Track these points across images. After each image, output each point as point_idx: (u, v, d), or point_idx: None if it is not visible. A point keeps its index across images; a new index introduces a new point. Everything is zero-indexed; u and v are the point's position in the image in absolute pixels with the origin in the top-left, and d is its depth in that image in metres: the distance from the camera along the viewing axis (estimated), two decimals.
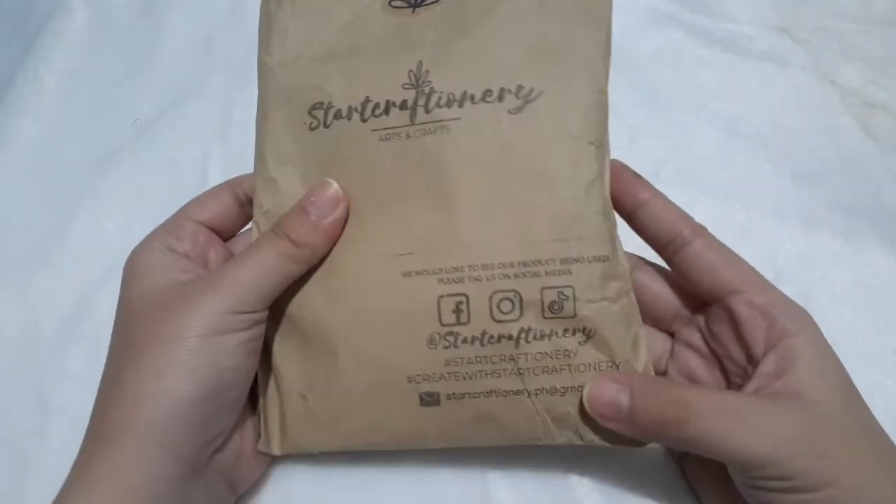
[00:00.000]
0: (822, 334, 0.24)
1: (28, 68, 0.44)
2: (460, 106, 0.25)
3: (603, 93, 0.25)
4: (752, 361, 0.24)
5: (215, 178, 0.40)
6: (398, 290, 0.25)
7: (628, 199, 0.26)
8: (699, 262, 0.25)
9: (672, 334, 0.27)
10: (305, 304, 0.26)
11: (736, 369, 0.25)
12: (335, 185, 0.26)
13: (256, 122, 0.28)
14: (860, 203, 0.36)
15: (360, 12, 0.27)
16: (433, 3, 0.27)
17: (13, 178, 0.41)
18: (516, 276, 0.24)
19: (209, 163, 0.41)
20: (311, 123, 0.27)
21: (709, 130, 0.40)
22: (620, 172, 0.26)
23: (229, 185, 0.29)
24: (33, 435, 0.33)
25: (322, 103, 0.27)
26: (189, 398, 0.22)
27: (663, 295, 0.27)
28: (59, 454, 0.34)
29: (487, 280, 0.24)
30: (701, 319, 0.26)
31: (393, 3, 0.27)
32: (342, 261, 0.26)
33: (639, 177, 0.26)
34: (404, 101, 0.26)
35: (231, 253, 0.28)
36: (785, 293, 0.24)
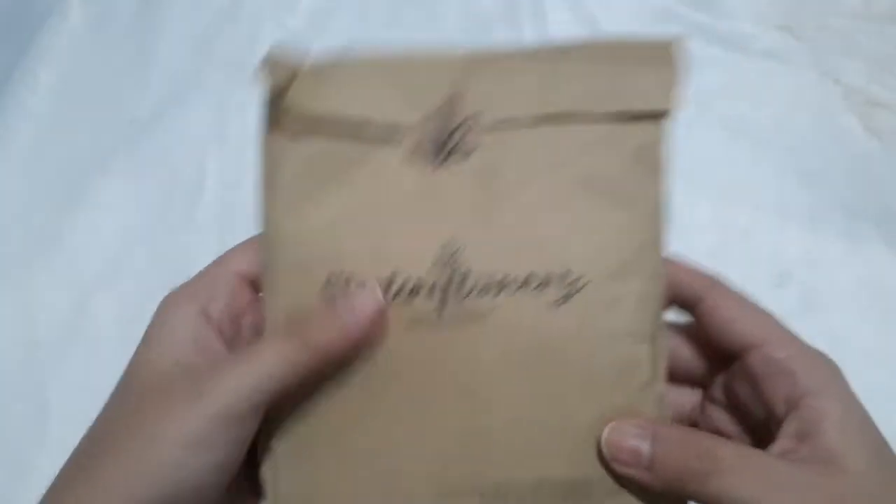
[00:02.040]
0: (848, 388, 0.22)
1: (25, 68, 0.44)
2: (497, 294, 0.23)
3: (658, 277, 0.23)
4: (775, 421, 0.22)
5: (213, 178, 0.40)
6: None
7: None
8: (714, 318, 0.23)
9: (704, 387, 0.26)
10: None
11: (761, 428, 0.24)
12: (376, 289, 0.23)
13: (263, 292, 0.24)
14: (863, 202, 0.36)
15: (378, 165, 0.23)
16: (464, 158, 0.23)
17: (10, 177, 0.41)
18: (564, 496, 0.22)
19: (207, 162, 0.41)
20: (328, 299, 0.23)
21: (711, 129, 0.39)
22: None
23: None
24: (32, 436, 0.33)
25: (340, 273, 0.23)
26: None
27: (690, 354, 0.26)
28: (58, 455, 0.34)
29: (534, 498, 0.22)
30: (722, 377, 0.25)
31: (415, 154, 0.23)
32: (364, 466, 0.23)
33: None
34: (434, 284, 0.23)
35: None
36: (808, 345, 0.23)
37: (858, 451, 0.21)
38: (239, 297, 0.25)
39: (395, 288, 0.23)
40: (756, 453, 0.22)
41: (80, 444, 0.22)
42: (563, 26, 0.45)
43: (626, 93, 0.23)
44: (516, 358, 0.22)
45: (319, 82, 0.23)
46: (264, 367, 0.22)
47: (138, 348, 0.24)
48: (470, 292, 0.23)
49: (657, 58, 0.24)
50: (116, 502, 0.20)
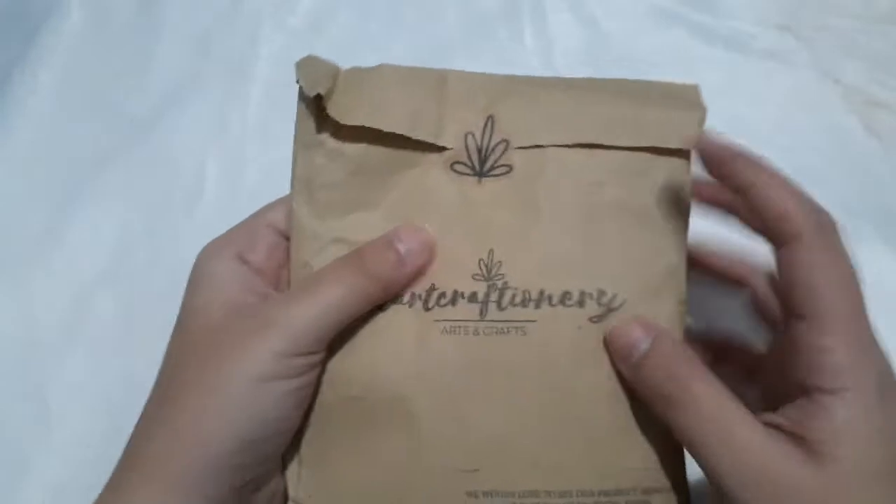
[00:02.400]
0: (875, 396, 0.19)
1: (24, 67, 0.44)
2: (537, 307, 0.23)
3: (683, 304, 0.24)
4: (786, 399, 0.21)
5: (213, 178, 0.40)
6: None
7: (733, 180, 0.21)
8: (792, 274, 0.20)
9: None
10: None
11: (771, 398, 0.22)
12: (429, 230, 0.24)
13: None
14: (863, 203, 0.36)
15: (419, 174, 0.24)
16: (503, 174, 0.24)
17: (9, 177, 0.41)
18: None
19: (207, 162, 0.41)
20: None
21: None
22: (721, 152, 0.22)
23: None
24: (32, 436, 0.33)
25: None
26: (227, 449, 0.20)
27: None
28: (59, 456, 0.34)
29: None
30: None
31: (455, 167, 0.24)
32: (391, 469, 0.23)
33: (740, 151, 0.22)
34: (474, 294, 0.23)
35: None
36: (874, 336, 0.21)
37: (861, 449, 0.19)
38: (278, 253, 0.24)
39: (435, 296, 0.23)
40: (734, 408, 0.20)
41: (148, 404, 0.22)
42: (563, 27, 0.45)
43: (658, 130, 0.23)
44: (553, 367, 0.23)
45: (358, 89, 0.23)
46: (328, 296, 0.22)
47: (184, 301, 0.23)
48: (509, 304, 0.23)
49: (685, 99, 0.24)
50: (199, 443, 0.20)
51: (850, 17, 0.43)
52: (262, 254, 0.24)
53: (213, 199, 0.40)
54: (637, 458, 0.23)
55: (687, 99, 0.24)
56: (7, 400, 0.34)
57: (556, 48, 0.44)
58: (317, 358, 0.22)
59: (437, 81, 0.24)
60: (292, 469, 0.24)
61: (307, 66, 0.23)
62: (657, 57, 0.42)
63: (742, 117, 0.40)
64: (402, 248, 0.23)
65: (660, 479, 0.23)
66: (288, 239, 0.24)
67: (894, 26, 0.42)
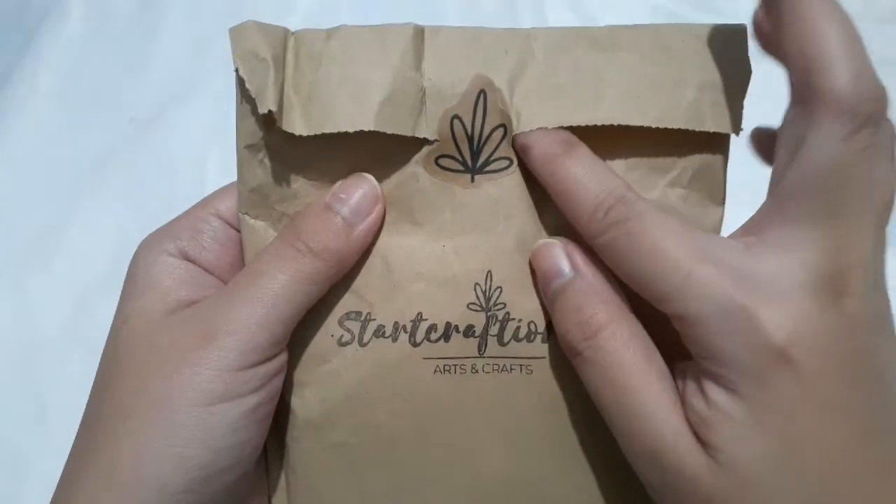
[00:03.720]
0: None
1: (25, 68, 0.44)
2: (544, 341, 0.19)
3: None
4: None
5: (213, 178, 0.40)
6: None
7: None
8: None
9: None
10: None
11: None
12: (371, 178, 0.19)
13: None
14: None
15: (393, 174, 0.19)
16: (502, 169, 0.19)
17: (10, 178, 0.41)
18: None
19: (207, 162, 0.41)
20: (341, 337, 0.20)
21: None
22: None
23: None
24: (32, 437, 0.33)
25: (359, 313, 0.20)
26: (173, 489, 0.17)
27: None
28: (58, 457, 0.34)
29: None
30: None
31: (441, 162, 0.19)
32: None
33: None
34: (470, 328, 0.19)
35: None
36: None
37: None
38: (230, 246, 0.21)
39: (423, 329, 0.20)
40: (641, 371, 0.17)
41: (78, 436, 0.19)
42: (563, 25, 0.45)
43: (691, 108, 0.19)
44: (565, 406, 0.20)
45: (314, 78, 0.18)
46: (272, 288, 0.18)
47: (119, 305, 0.20)
48: (512, 339, 0.20)
49: (728, 57, 0.20)
50: (139, 484, 0.17)
51: (849, 17, 0.43)
52: (212, 249, 0.20)
53: None
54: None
55: (730, 58, 0.20)
56: (7, 400, 0.34)
57: None
58: (274, 365, 0.18)
59: (411, 45, 0.19)
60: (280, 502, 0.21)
61: (247, 52, 0.18)
62: None
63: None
64: (342, 208, 0.19)
65: None
66: (239, 231, 0.21)
67: (894, 27, 0.42)
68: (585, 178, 0.18)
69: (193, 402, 0.17)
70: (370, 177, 0.19)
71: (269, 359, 0.18)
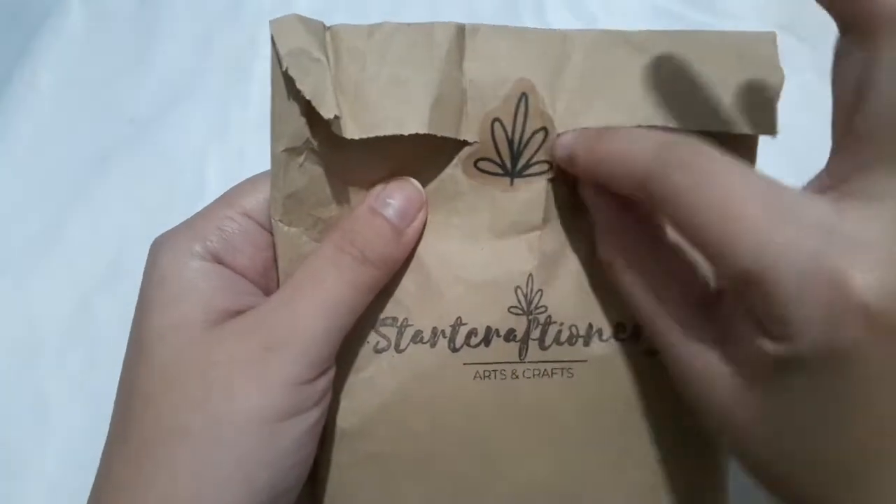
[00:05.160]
0: None
1: (24, 67, 0.44)
2: (586, 344, 0.19)
3: None
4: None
5: (214, 178, 0.40)
6: None
7: None
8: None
9: None
10: None
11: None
12: (415, 182, 0.19)
13: None
14: None
15: (433, 177, 0.19)
16: (541, 173, 0.19)
17: (9, 177, 0.41)
18: None
19: (207, 162, 0.41)
20: (376, 344, 0.19)
21: None
22: None
23: None
24: (32, 436, 0.33)
25: (395, 319, 0.19)
26: None
27: None
28: (58, 456, 0.34)
29: None
30: None
31: (479, 165, 0.19)
32: None
33: None
34: (511, 332, 0.19)
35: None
36: None
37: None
38: (260, 244, 0.19)
39: (463, 334, 0.19)
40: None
41: (109, 460, 0.17)
42: (562, 26, 0.45)
43: (727, 110, 0.19)
44: (607, 410, 0.20)
45: (360, 79, 0.18)
46: (334, 295, 0.17)
47: (143, 316, 0.18)
48: (553, 343, 0.19)
49: (759, 64, 0.20)
50: None
51: None
52: (246, 251, 0.19)
53: (213, 200, 0.40)
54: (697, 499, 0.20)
55: (762, 63, 0.20)
56: (7, 400, 0.34)
57: None
58: (329, 377, 0.18)
59: (455, 44, 0.19)
60: None
61: (296, 49, 0.17)
62: None
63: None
64: (391, 213, 0.18)
65: None
66: (270, 231, 0.20)
67: None
68: (635, 135, 0.16)
69: (259, 420, 0.16)
70: (413, 180, 0.19)
71: (326, 370, 0.18)
